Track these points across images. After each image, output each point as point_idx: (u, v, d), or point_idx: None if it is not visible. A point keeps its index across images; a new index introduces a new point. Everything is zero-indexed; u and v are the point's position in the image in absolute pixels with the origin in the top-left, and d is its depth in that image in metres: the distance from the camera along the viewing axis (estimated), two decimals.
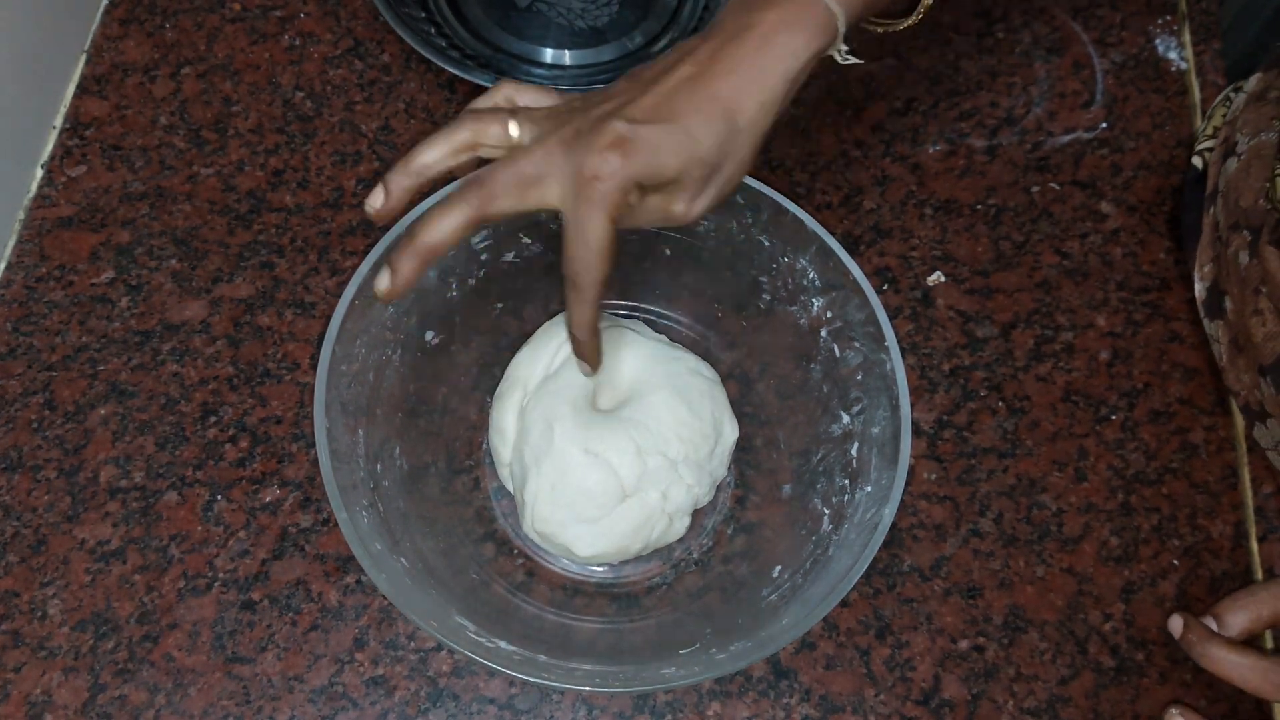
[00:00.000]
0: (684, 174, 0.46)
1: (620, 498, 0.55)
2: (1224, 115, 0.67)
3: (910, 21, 0.54)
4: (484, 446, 0.61)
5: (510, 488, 0.58)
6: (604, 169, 0.44)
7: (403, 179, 0.47)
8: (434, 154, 0.47)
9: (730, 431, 0.58)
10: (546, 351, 0.58)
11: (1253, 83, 0.64)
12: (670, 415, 0.56)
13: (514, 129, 0.47)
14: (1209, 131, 0.68)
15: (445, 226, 0.45)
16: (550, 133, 0.46)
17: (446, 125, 0.47)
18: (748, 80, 0.46)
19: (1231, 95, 0.67)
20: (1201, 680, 0.56)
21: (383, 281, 0.46)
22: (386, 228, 0.52)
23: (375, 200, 0.47)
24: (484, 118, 0.47)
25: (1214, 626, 0.48)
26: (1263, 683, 0.47)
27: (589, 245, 0.45)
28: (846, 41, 0.49)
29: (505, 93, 0.49)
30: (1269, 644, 0.58)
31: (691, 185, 0.46)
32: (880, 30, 0.56)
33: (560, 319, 0.59)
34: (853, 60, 0.50)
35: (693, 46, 0.48)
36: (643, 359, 0.58)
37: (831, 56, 0.49)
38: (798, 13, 0.47)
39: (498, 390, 0.59)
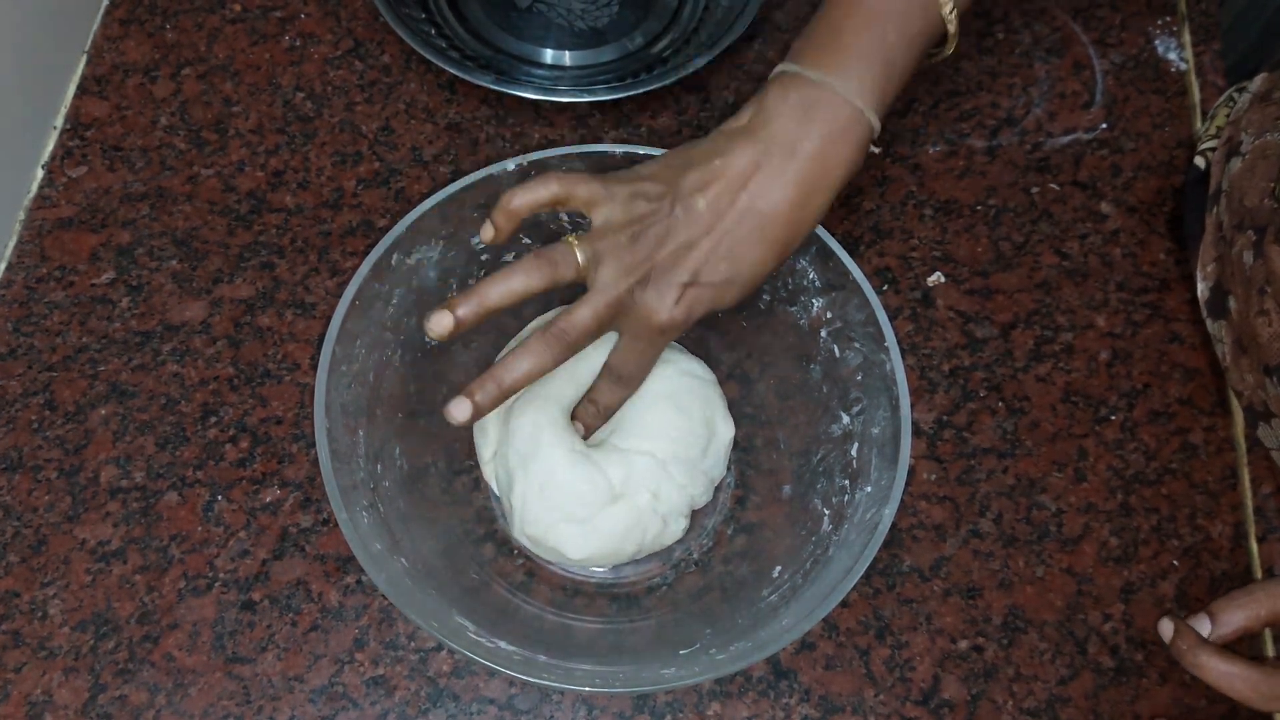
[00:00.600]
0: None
1: (610, 498, 0.54)
2: (1227, 115, 0.67)
3: (944, 54, 0.55)
4: None
5: (495, 489, 0.58)
6: (671, 326, 0.51)
7: (472, 312, 0.49)
8: (507, 297, 0.50)
9: (725, 430, 0.58)
10: None
11: (1258, 83, 0.64)
12: (655, 416, 0.56)
13: (581, 258, 0.50)
14: (1211, 132, 0.67)
15: (525, 368, 0.50)
16: (620, 275, 0.50)
17: (519, 265, 0.49)
18: (807, 214, 0.49)
19: (1235, 96, 0.67)
20: (1201, 681, 0.56)
21: (463, 410, 0.50)
22: (386, 228, 0.52)
23: (441, 326, 0.49)
24: (555, 261, 0.49)
25: (1209, 625, 0.48)
26: (1251, 693, 0.46)
27: (641, 365, 0.54)
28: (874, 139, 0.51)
29: (554, 191, 0.50)
30: (1269, 646, 0.58)
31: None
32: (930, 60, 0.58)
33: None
34: (874, 150, 0.52)
35: (748, 159, 0.50)
36: None
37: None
38: (844, 125, 0.49)
39: None
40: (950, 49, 0.54)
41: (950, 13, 0.51)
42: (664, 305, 0.50)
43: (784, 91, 0.50)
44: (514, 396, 0.54)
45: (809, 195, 0.49)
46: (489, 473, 0.58)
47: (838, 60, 0.49)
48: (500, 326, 0.62)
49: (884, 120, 0.51)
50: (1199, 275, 0.63)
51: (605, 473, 0.54)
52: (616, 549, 0.55)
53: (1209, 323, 0.63)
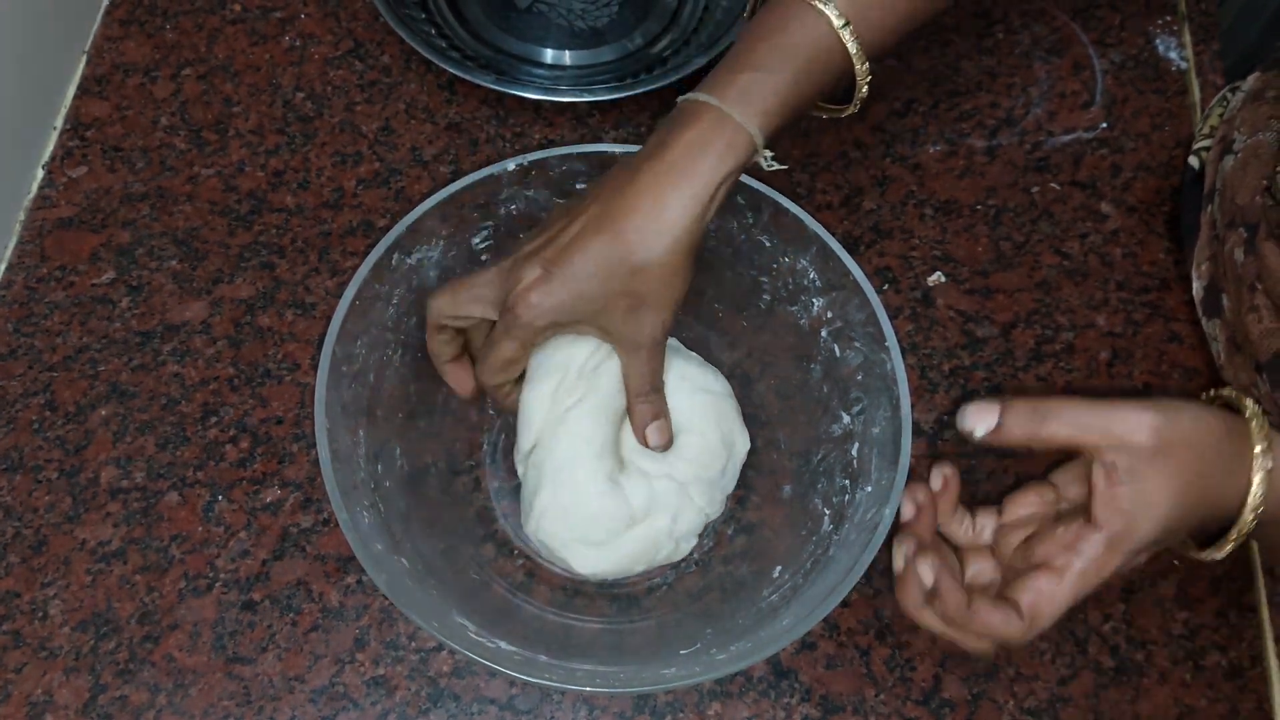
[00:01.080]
0: (602, 310, 0.51)
1: (628, 524, 0.54)
2: (1221, 115, 0.67)
3: (850, 110, 0.56)
4: (484, 447, 0.61)
5: (519, 472, 0.57)
6: (519, 307, 0.50)
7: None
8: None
9: (742, 444, 0.58)
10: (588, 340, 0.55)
11: (1251, 82, 0.64)
12: (677, 439, 0.55)
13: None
14: (1205, 131, 0.68)
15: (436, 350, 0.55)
16: (499, 261, 0.52)
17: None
18: (649, 217, 0.49)
19: (1228, 95, 0.67)
20: (1201, 680, 0.56)
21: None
22: (386, 228, 0.52)
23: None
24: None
25: (995, 419, 0.49)
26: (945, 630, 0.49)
27: (492, 361, 0.53)
28: (771, 147, 0.51)
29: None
30: (1270, 651, 0.58)
31: (618, 316, 0.51)
32: (825, 116, 0.58)
33: None
34: (777, 167, 0.51)
35: (612, 175, 0.51)
36: None
37: (759, 164, 0.51)
38: (710, 134, 0.49)
39: (527, 373, 0.55)
40: (861, 90, 0.54)
41: (849, 35, 0.50)
42: (514, 286, 0.51)
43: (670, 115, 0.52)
44: (571, 396, 0.54)
45: (657, 212, 0.49)
46: (520, 462, 0.57)
47: (714, 81, 0.51)
48: None
49: (774, 136, 0.51)
50: (1194, 274, 0.64)
51: (629, 499, 0.54)
52: (626, 569, 0.55)
53: (1204, 321, 0.63)
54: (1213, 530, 0.50)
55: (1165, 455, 0.47)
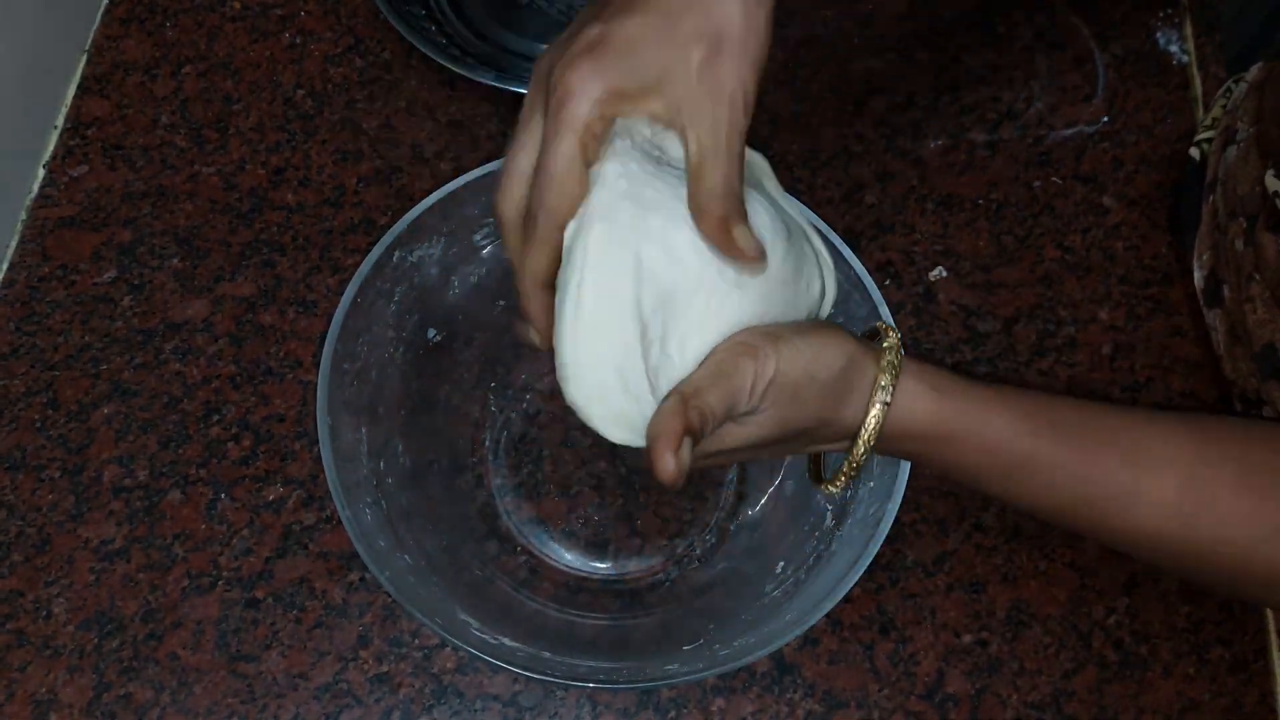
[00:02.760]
0: (672, 64, 0.39)
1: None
2: (1224, 106, 0.67)
3: None
4: (486, 444, 0.61)
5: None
6: (574, 81, 0.38)
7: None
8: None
9: (829, 290, 0.47)
10: None
11: (1254, 72, 0.64)
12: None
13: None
14: (1208, 123, 0.68)
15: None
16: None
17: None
18: None
19: (1232, 86, 0.67)
20: (1205, 674, 0.56)
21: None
22: (388, 225, 0.52)
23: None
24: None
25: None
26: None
27: (547, 171, 0.39)
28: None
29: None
30: (1274, 650, 0.58)
31: (693, 71, 0.40)
32: None
33: None
34: None
35: None
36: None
37: None
38: None
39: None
40: None
41: None
42: (564, 61, 0.39)
43: None
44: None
45: None
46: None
47: None
48: (503, 324, 0.62)
49: None
50: (1195, 265, 0.64)
51: None
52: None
53: (1205, 312, 0.63)
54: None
55: (778, 387, 0.41)
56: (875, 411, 0.43)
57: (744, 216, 0.41)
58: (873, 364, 0.44)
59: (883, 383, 0.43)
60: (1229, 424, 0.49)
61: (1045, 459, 0.45)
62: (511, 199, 0.41)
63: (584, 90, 0.38)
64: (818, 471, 0.49)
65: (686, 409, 0.40)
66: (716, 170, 0.40)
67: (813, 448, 0.47)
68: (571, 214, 0.40)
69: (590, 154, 0.39)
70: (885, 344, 0.44)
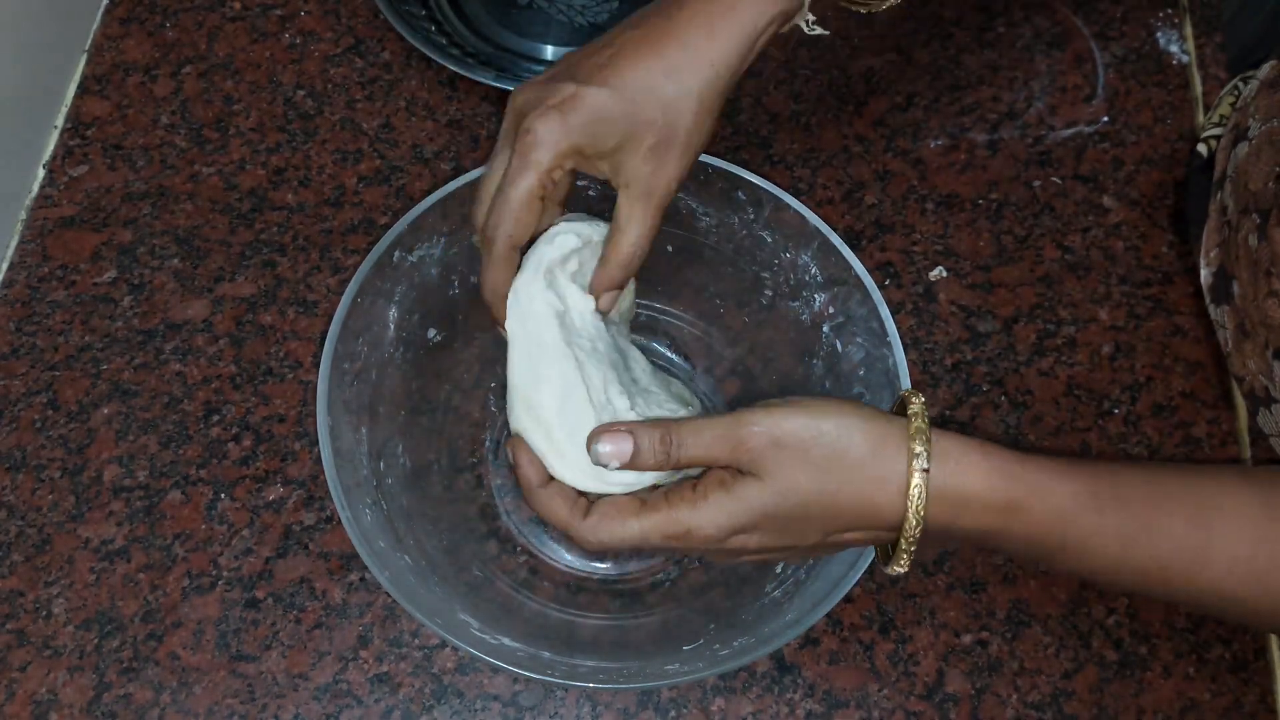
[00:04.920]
0: (627, 140, 0.46)
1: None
2: (1231, 104, 0.67)
3: (893, 0, 0.53)
4: (486, 444, 0.61)
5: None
6: (543, 131, 0.45)
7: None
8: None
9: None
10: None
11: (1266, 70, 0.64)
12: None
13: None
14: (1214, 120, 0.68)
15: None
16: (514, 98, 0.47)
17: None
18: (699, 41, 0.46)
19: (1240, 84, 0.67)
20: (1205, 674, 0.56)
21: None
22: (388, 225, 0.52)
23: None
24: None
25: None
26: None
27: (508, 201, 0.45)
28: (813, 10, 0.49)
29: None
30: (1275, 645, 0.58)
31: (641, 151, 0.46)
32: (864, 11, 0.55)
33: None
34: (819, 31, 0.49)
35: (651, 8, 0.48)
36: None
37: (799, 28, 0.49)
38: None
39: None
40: None
41: None
42: (537, 107, 0.45)
43: None
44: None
45: (706, 39, 0.46)
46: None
47: None
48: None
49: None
50: (1202, 261, 0.63)
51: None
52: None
53: (1211, 309, 0.63)
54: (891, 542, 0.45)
55: (803, 450, 0.42)
56: (917, 480, 0.41)
57: (624, 283, 0.49)
58: (902, 433, 0.42)
59: (917, 449, 0.42)
60: None
61: (1113, 531, 0.44)
62: (481, 216, 0.48)
63: (550, 140, 0.45)
64: (884, 552, 0.47)
65: (655, 428, 0.43)
66: (625, 237, 0.47)
67: (863, 536, 0.44)
68: (524, 238, 0.47)
69: (547, 193, 0.46)
70: (910, 410, 0.43)
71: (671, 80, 0.46)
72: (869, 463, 0.42)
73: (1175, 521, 0.44)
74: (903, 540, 0.42)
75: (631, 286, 0.51)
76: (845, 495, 0.42)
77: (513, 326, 0.47)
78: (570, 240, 0.48)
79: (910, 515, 0.42)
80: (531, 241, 0.48)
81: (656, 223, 0.48)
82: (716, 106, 0.47)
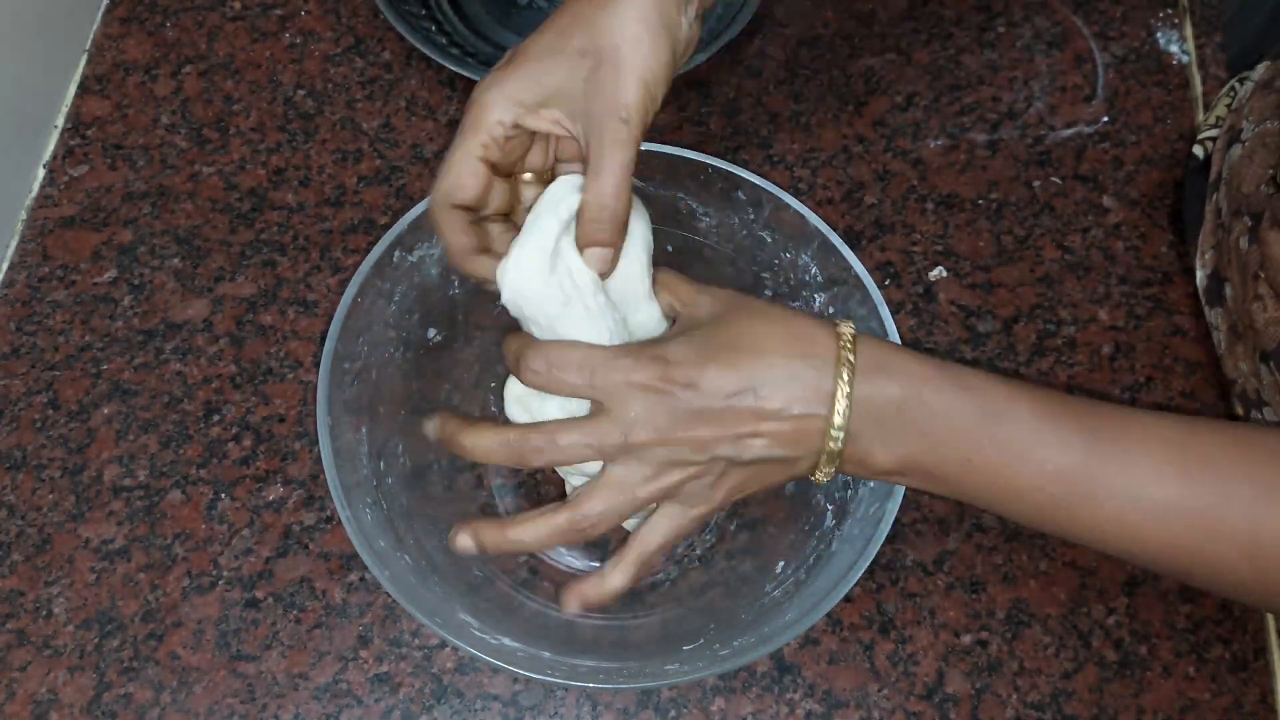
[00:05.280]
0: (564, 78, 0.45)
1: None
2: (1228, 105, 0.67)
3: None
4: None
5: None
6: (481, 94, 0.45)
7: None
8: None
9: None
10: None
11: (1260, 71, 0.64)
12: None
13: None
14: (1211, 121, 0.68)
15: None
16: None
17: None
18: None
19: (1236, 85, 0.67)
20: (1205, 674, 0.56)
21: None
22: (388, 225, 0.52)
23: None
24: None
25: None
26: (509, 456, 0.45)
27: (445, 161, 0.46)
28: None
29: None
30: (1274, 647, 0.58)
31: (581, 84, 0.44)
32: None
33: None
34: None
35: None
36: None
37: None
38: None
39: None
40: None
41: None
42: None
43: None
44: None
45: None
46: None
47: None
48: (503, 324, 0.62)
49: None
50: (1198, 263, 0.64)
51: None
52: None
53: (1206, 310, 0.63)
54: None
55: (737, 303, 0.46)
56: (845, 327, 0.43)
57: (611, 238, 0.45)
58: (825, 324, 0.44)
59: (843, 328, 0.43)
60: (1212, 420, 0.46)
61: (1029, 413, 0.43)
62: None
63: (490, 101, 0.44)
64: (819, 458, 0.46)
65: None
66: (596, 183, 0.44)
67: (791, 375, 0.43)
68: (462, 199, 0.46)
69: (490, 154, 0.45)
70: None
71: (602, 7, 0.44)
72: (790, 314, 0.45)
73: (1104, 425, 0.42)
74: (841, 372, 0.42)
75: (643, 220, 0.48)
76: (776, 318, 0.44)
77: (508, 299, 0.46)
78: (573, 200, 0.45)
79: (844, 330, 0.43)
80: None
81: (625, 159, 0.44)
82: (659, 19, 0.44)
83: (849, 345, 0.43)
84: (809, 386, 0.42)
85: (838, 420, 0.42)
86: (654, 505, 0.45)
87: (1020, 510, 0.44)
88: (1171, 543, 0.42)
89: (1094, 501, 0.42)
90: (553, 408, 0.47)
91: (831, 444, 0.43)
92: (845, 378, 0.42)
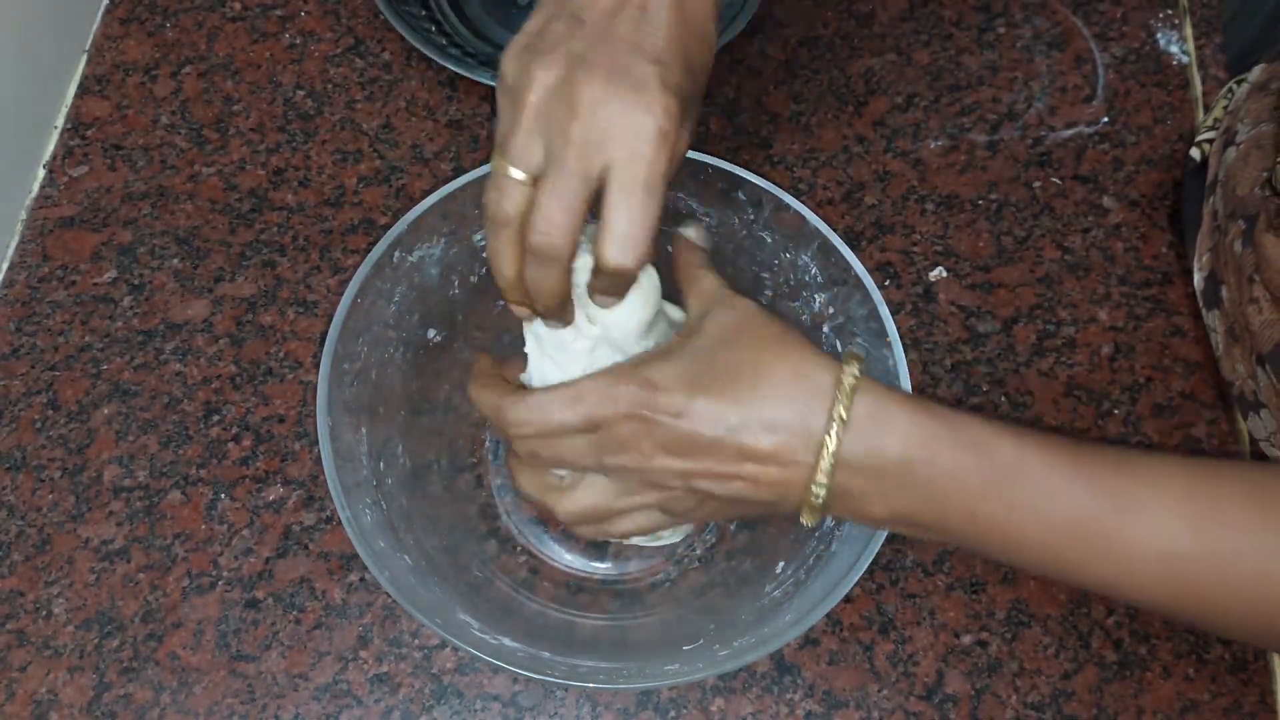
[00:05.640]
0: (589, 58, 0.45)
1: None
2: (1225, 106, 0.67)
3: None
4: (486, 444, 0.61)
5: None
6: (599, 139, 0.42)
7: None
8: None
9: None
10: None
11: (1256, 73, 0.64)
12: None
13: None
14: (1209, 123, 0.68)
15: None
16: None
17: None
18: None
19: (1234, 87, 0.67)
20: (1205, 674, 0.56)
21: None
22: (388, 225, 0.52)
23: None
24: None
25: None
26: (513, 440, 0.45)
27: (566, 220, 0.43)
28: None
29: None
30: None
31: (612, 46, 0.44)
32: None
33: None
34: None
35: None
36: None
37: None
38: None
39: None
40: None
41: None
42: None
43: None
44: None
45: None
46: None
47: None
48: (503, 324, 0.62)
49: None
50: (1195, 265, 0.64)
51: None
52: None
53: (1204, 313, 0.63)
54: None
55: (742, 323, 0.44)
56: (849, 370, 0.41)
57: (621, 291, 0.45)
58: (829, 367, 0.42)
59: (845, 366, 0.41)
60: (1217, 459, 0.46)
61: (1039, 469, 0.41)
62: (513, 203, 0.43)
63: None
64: (806, 497, 0.45)
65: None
66: (609, 230, 0.42)
67: (785, 413, 0.42)
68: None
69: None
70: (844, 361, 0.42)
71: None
72: (799, 349, 0.42)
73: (1107, 473, 0.41)
74: (814, 485, 0.41)
75: (652, 284, 0.48)
76: (782, 352, 0.42)
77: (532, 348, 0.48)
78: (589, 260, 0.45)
79: (846, 378, 0.41)
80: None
81: (648, 206, 0.41)
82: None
83: (845, 399, 0.41)
84: (798, 435, 0.41)
85: (821, 477, 0.41)
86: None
87: (1027, 562, 0.43)
88: (1181, 593, 0.41)
89: (1102, 553, 0.41)
90: (568, 357, 0.47)
91: (813, 498, 0.42)
92: (833, 434, 0.41)
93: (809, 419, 0.41)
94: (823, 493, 0.41)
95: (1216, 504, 0.41)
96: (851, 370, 0.41)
